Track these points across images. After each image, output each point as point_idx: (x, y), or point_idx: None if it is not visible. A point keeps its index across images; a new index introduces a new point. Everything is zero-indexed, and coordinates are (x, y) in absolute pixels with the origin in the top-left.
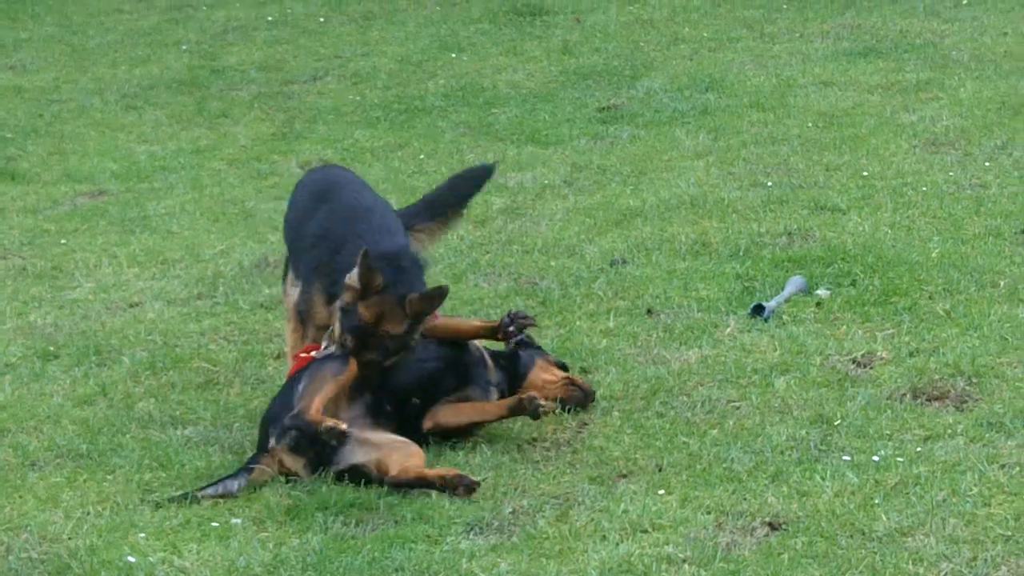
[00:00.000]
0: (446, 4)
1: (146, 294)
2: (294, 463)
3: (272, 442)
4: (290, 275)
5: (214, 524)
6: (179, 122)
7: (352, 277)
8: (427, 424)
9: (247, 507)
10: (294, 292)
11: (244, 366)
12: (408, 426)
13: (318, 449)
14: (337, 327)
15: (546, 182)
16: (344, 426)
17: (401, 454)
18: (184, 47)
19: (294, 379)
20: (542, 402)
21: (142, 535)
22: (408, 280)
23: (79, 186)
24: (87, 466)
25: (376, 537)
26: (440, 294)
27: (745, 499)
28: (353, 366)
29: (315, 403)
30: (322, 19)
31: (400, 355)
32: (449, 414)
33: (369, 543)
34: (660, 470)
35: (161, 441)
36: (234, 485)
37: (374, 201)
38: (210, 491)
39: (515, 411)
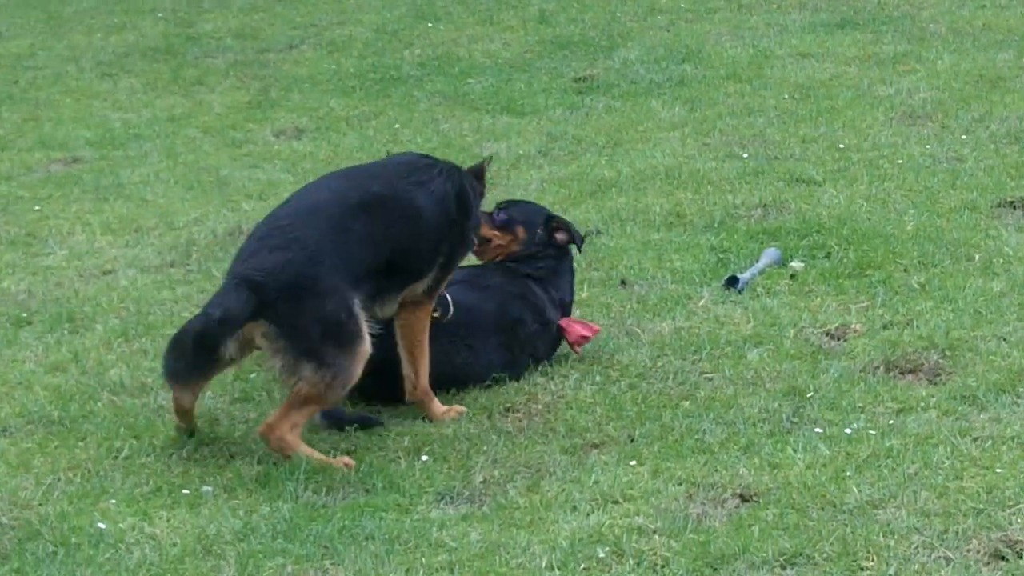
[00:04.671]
0: None
1: (119, 262)
2: None
3: None
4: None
5: (185, 492)
6: (154, 90)
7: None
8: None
9: (218, 475)
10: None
11: None
12: None
13: None
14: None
15: (521, 152)
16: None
17: None
18: (160, 14)
19: None
20: None
21: (112, 501)
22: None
23: (53, 153)
24: (58, 432)
25: (346, 506)
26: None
27: (716, 471)
28: None
29: None
30: None
31: None
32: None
33: (339, 511)
34: (632, 441)
35: (133, 408)
36: None
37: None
38: None
39: None
